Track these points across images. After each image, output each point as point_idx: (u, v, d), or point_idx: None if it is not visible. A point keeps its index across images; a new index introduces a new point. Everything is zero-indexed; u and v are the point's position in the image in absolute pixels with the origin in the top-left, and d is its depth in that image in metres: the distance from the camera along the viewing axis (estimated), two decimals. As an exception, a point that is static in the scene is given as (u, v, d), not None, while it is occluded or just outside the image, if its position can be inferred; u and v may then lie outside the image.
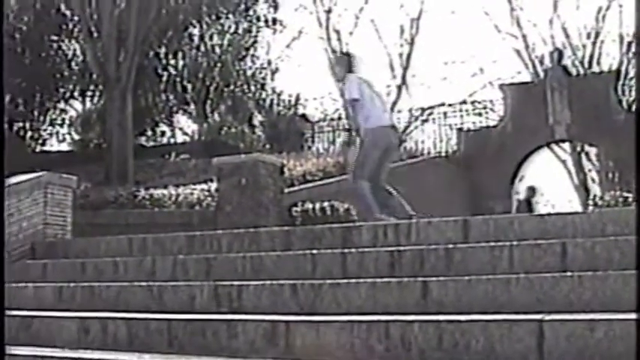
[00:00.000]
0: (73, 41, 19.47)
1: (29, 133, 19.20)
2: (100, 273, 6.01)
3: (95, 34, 14.88)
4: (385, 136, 7.45)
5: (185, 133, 22.71)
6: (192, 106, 20.85)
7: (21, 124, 18.80)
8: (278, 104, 21.85)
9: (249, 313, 4.67)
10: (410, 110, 20.18)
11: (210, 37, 20.33)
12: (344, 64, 7.88)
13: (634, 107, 19.50)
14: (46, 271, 6.40)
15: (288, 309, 4.64)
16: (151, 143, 20.54)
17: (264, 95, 21.77)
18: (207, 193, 10.57)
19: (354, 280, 4.71)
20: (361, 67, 7.93)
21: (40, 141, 19.81)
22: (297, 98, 22.33)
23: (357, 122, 7.55)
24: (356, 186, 7.37)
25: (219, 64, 20.17)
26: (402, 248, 5.22)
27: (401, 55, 24.64)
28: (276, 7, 20.97)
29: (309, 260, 5.33)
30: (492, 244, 4.99)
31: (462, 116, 18.73)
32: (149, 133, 20.90)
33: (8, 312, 5.32)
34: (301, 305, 4.66)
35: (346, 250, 5.35)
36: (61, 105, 20.65)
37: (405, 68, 24.50)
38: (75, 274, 6.08)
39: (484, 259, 4.83)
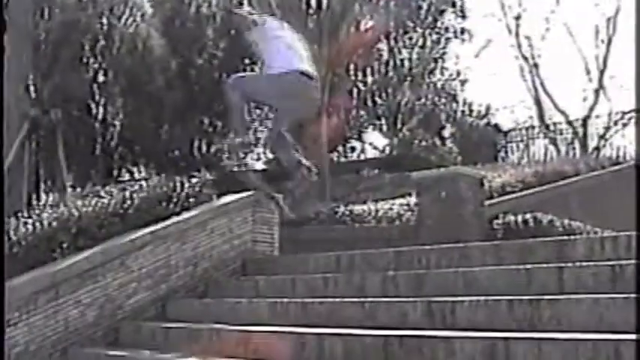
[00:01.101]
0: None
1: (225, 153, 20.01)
2: (311, 289, 6.12)
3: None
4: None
5: (375, 148, 22.85)
6: (383, 121, 20.98)
7: (221, 146, 19.63)
8: (469, 115, 21.56)
9: (464, 329, 4.57)
10: (609, 114, 19.26)
11: (399, 52, 20.38)
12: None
13: None
14: (258, 287, 6.60)
15: (505, 325, 4.49)
16: (342, 159, 20.84)
17: (454, 106, 21.56)
18: (406, 208, 10.54)
19: (573, 296, 4.50)
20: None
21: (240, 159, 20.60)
22: (488, 108, 21.96)
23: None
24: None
25: (408, 78, 20.19)
26: (623, 262, 4.93)
27: (597, 57, 23.66)
28: (464, 17, 20.73)
29: (523, 275, 5.15)
30: None
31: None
32: (339, 149, 21.20)
33: (227, 326, 5.55)
34: (519, 321, 4.50)
35: (562, 265, 5.13)
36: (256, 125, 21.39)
37: (602, 71, 23.49)
38: (286, 290, 6.23)
39: None
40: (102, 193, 8.00)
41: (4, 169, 2.49)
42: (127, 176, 9.35)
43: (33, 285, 5.92)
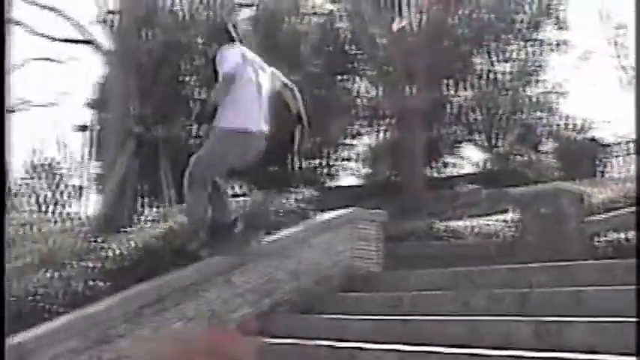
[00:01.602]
0: (358, 78, 20.22)
1: (324, 170, 20.21)
2: (414, 306, 6.10)
3: (385, 70, 15.36)
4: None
5: (470, 163, 22.62)
6: (479, 136, 20.76)
7: (317, 162, 19.84)
8: (568, 128, 21.07)
9: (572, 350, 4.48)
10: None
11: (495, 65, 20.14)
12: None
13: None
14: (360, 304, 6.62)
15: (616, 348, 4.38)
16: (436, 175, 20.70)
17: (552, 120, 21.12)
18: (503, 224, 10.40)
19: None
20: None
21: (334, 177, 20.75)
22: (588, 121, 21.40)
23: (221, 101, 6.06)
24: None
25: (505, 92, 19.92)
26: None
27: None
28: (562, 28, 20.30)
29: (634, 295, 5.01)
30: None
31: None
32: (433, 164, 21.08)
33: (331, 342, 5.58)
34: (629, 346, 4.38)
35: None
36: (350, 141, 21.48)
37: None
38: (389, 307, 6.22)
39: None
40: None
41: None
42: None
43: (139, 299, 6.07)
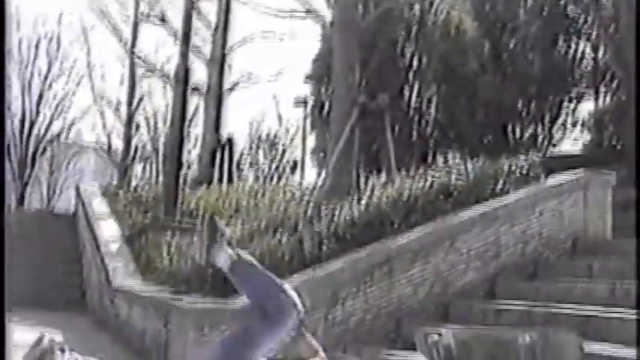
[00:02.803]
0: (581, 41, 19.32)
1: (544, 137, 19.53)
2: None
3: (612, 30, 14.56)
4: None
5: None
6: None
7: (536, 129, 19.23)
8: None
9: None
10: None
11: None
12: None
13: None
14: (592, 269, 6.40)
15: None
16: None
17: None
18: None
19: None
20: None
21: (555, 144, 20.03)
22: None
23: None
24: None
25: None
26: None
27: None
28: None
29: None
30: None
31: None
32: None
33: (561, 308, 5.44)
34: None
35: None
36: (572, 106, 20.61)
37: None
38: (624, 273, 5.96)
39: None
40: (428, 175, 8.21)
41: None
42: (440, 161, 9.53)
43: (368, 261, 6.22)
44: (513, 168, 7.78)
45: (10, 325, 4.46)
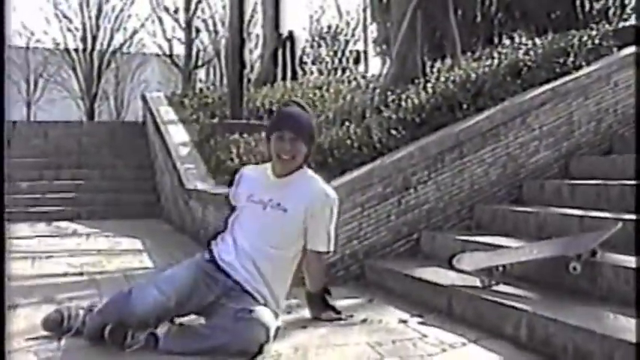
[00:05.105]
0: None
1: (614, 11, 18.81)
2: None
3: None
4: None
5: None
6: None
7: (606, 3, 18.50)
8: None
9: None
10: None
11: None
12: None
13: None
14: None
15: None
16: None
17: None
18: None
19: None
20: None
21: (626, 18, 19.29)
22: None
23: None
24: None
25: None
26: None
27: None
28: None
29: None
30: None
31: None
32: None
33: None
34: None
35: None
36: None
37: None
38: None
39: None
40: (495, 55, 8.00)
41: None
42: (507, 43, 9.26)
43: (438, 145, 6.13)
44: (584, 39, 7.49)
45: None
